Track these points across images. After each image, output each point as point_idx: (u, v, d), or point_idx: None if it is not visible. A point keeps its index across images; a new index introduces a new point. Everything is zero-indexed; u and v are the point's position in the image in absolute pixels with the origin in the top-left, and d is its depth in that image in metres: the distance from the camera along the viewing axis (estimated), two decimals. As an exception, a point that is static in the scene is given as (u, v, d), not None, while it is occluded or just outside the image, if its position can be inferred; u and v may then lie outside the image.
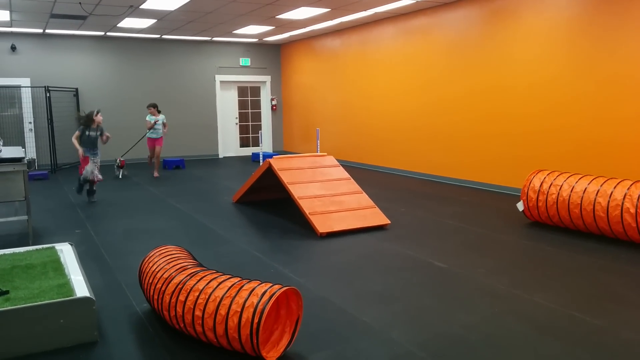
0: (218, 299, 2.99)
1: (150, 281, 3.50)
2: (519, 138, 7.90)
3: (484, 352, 3.11)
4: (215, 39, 13.21)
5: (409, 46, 9.98)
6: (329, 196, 6.32)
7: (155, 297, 3.40)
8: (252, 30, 11.76)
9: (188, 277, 3.23)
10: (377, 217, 6.24)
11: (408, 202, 7.67)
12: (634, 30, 6.35)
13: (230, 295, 2.97)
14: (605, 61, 6.68)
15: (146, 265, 3.71)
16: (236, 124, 14.55)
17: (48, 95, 11.05)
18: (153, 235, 5.97)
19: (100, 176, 7.81)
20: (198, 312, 3.04)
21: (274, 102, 14.77)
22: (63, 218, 6.91)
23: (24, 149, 6.59)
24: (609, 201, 5.25)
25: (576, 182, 5.64)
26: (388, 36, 10.52)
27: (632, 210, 5.07)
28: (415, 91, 9.89)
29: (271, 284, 3.01)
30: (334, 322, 3.58)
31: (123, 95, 12.66)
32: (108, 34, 12.02)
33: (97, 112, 7.85)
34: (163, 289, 3.32)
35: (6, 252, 4.27)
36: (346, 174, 6.87)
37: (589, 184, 5.52)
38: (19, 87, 11.49)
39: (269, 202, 7.73)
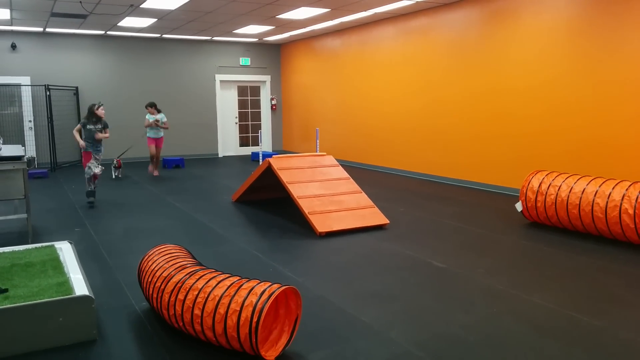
0: (217, 298, 2.99)
1: (150, 280, 3.51)
2: (518, 139, 7.91)
3: (482, 352, 3.12)
4: (215, 38, 13.21)
5: (408, 46, 9.99)
6: (328, 196, 6.33)
7: (155, 295, 3.41)
8: (252, 30, 11.76)
9: (187, 276, 3.24)
10: (376, 217, 6.25)
11: (407, 202, 7.68)
12: (633, 31, 6.36)
13: (229, 294, 2.98)
14: (605, 62, 6.69)
15: (145, 264, 3.71)
16: (236, 123, 14.55)
17: (48, 93, 11.05)
18: (152, 234, 5.97)
19: (98, 170, 7.51)
20: (197, 311, 3.05)
21: (273, 102, 14.78)
22: (62, 216, 6.91)
23: (23, 147, 6.60)
24: (607, 202, 5.25)
25: (575, 182, 5.65)
26: (388, 36, 10.52)
27: (631, 211, 5.08)
28: (415, 91, 9.90)
29: (270, 283, 3.01)
30: (333, 321, 3.59)
31: (123, 94, 12.66)
32: (108, 33, 12.03)
33: (98, 106, 7.71)
34: (162, 287, 3.32)
35: (5, 250, 4.27)
36: (345, 174, 6.87)
37: (587, 184, 5.53)
38: (19, 85, 11.49)
39: (269, 202, 7.74)
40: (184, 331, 3.25)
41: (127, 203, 7.79)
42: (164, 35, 12.59)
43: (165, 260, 3.57)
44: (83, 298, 3.28)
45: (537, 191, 5.95)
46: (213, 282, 3.10)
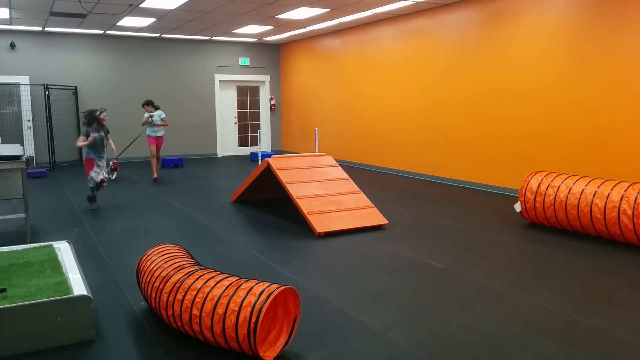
0: (216, 298, 2.99)
1: (148, 280, 3.51)
2: (517, 139, 7.91)
3: (481, 353, 3.12)
4: (214, 38, 13.21)
5: (408, 47, 9.99)
6: (327, 196, 6.33)
7: (153, 295, 3.41)
8: (251, 30, 11.76)
9: (186, 276, 3.23)
10: (375, 217, 6.24)
11: (406, 202, 7.68)
12: (633, 32, 6.36)
13: (227, 294, 2.98)
14: (605, 63, 6.69)
15: (144, 264, 3.71)
16: (235, 123, 14.54)
17: (47, 93, 11.04)
18: (151, 234, 5.97)
19: (101, 176, 7.24)
20: (195, 311, 3.05)
21: (272, 102, 14.77)
22: (61, 216, 6.90)
23: (22, 147, 6.58)
24: (606, 203, 5.26)
25: (573, 183, 5.66)
26: (387, 37, 10.52)
27: (629, 212, 5.08)
28: (414, 92, 9.90)
29: (269, 283, 3.01)
30: (332, 321, 3.58)
31: (122, 93, 12.65)
32: (107, 32, 12.02)
33: (101, 112, 7.32)
34: (161, 287, 3.32)
35: (4, 250, 4.27)
36: (344, 174, 6.87)
37: (586, 185, 5.53)
38: (18, 84, 11.47)
39: (268, 202, 7.74)
40: (183, 331, 3.24)
41: (126, 203, 7.78)
42: (163, 35, 12.58)
43: (164, 260, 3.56)
44: (81, 298, 3.27)
45: (536, 192, 5.96)
46: (212, 282, 3.10)
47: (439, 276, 4.50)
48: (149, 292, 3.48)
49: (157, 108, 10.00)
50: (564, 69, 7.18)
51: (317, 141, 8.98)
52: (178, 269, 3.37)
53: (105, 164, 7.44)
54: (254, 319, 2.82)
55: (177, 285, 3.20)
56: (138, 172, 11.00)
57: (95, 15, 9.63)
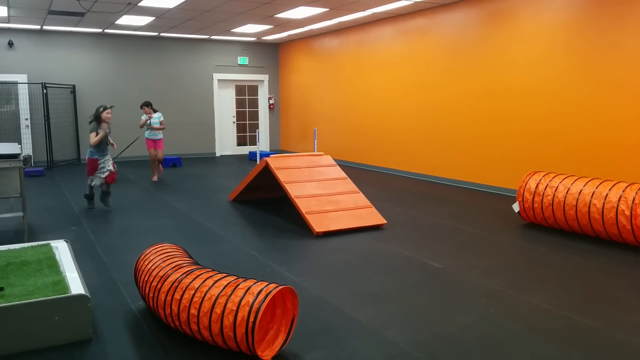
0: (214, 298, 2.98)
1: (146, 279, 3.50)
2: (516, 139, 7.91)
3: (479, 353, 3.12)
4: (213, 37, 13.19)
5: (407, 47, 9.98)
6: (326, 195, 6.32)
7: (151, 295, 3.40)
8: (250, 29, 11.75)
9: (184, 276, 3.23)
10: (373, 217, 6.24)
11: (404, 202, 7.68)
12: (631, 32, 6.37)
13: (226, 294, 2.97)
14: (603, 63, 6.70)
15: (142, 263, 3.70)
16: (233, 122, 14.53)
17: (45, 91, 11.02)
18: (149, 233, 5.96)
19: (106, 174, 6.97)
20: (193, 311, 3.04)
21: (271, 101, 14.76)
22: (59, 215, 6.89)
23: (20, 146, 6.56)
24: (604, 203, 5.26)
25: (572, 183, 5.66)
26: (386, 36, 10.52)
27: (627, 212, 5.08)
28: (413, 92, 9.90)
29: (267, 283, 3.00)
30: (330, 321, 3.58)
31: (120, 92, 12.62)
32: (106, 31, 12.00)
33: (104, 109, 7.01)
34: (158, 287, 3.31)
35: (1, 249, 4.26)
36: (343, 174, 6.87)
37: (584, 185, 5.53)
38: (16, 83, 11.45)
39: (266, 201, 7.73)
40: (180, 330, 3.24)
41: (124, 202, 7.76)
42: (162, 34, 12.56)
43: (162, 259, 3.56)
44: (79, 297, 3.26)
45: (534, 192, 5.96)
46: (210, 282, 3.09)
47: (438, 276, 4.50)
48: (147, 291, 3.47)
49: (155, 111, 9.71)
50: (562, 69, 7.18)
51: (315, 141, 8.98)
52: (176, 268, 3.36)
53: (108, 163, 7.09)
54: (252, 319, 2.81)
55: (175, 284, 3.20)
56: (136, 171, 10.98)
57: (93, 13, 9.62)
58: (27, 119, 11.66)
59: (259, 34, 12.68)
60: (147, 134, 9.64)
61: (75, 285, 3.44)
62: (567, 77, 7.14)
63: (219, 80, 13.96)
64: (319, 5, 8.95)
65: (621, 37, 6.48)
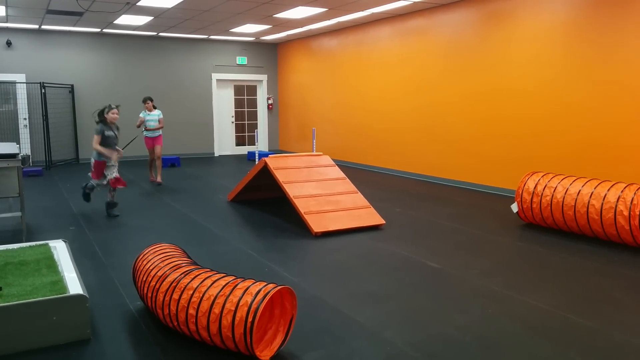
0: (212, 298, 2.98)
1: (144, 279, 3.50)
2: (515, 140, 7.92)
3: (477, 353, 3.12)
4: (212, 37, 13.19)
5: (406, 47, 9.99)
6: (325, 196, 6.32)
7: (149, 295, 3.40)
8: (249, 29, 11.74)
9: (182, 276, 3.22)
10: (372, 217, 6.24)
11: (403, 202, 7.68)
12: (630, 33, 6.38)
13: (224, 294, 2.97)
14: (602, 64, 6.71)
15: (140, 263, 3.70)
16: (232, 122, 14.53)
17: (43, 91, 11.01)
18: (147, 233, 5.95)
19: (114, 175, 6.68)
20: (192, 311, 3.04)
21: (270, 101, 14.76)
22: (57, 215, 6.88)
23: (18, 145, 6.55)
24: (602, 203, 5.27)
25: (570, 184, 5.67)
26: (385, 37, 10.52)
27: (626, 213, 5.09)
28: (412, 92, 9.91)
29: (265, 283, 3.00)
30: (328, 321, 3.58)
31: (119, 92, 12.60)
32: (104, 30, 11.98)
33: (109, 110, 6.66)
34: (157, 287, 3.31)
35: (-1, 249, 4.25)
36: (342, 174, 6.87)
37: (582, 186, 5.54)
38: (14, 82, 11.43)
39: (264, 201, 7.73)
40: (179, 331, 3.24)
41: (122, 202, 7.75)
42: (161, 34, 12.55)
43: (160, 259, 3.55)
44: (77, 297, 3.26)
45: (533, 192, 5.96)
46: (208, 282, 3.09)
47: (436, 276, 4.51)
48: (145, 291, 3.46)
49: (155, 108, 9.47)
50: (561, 70, 7.19)
51: (314, 141, 8.98)
52: (174, 268, 3.36)
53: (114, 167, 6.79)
54: (250, 319, 2.81)
55: (174, 284, 3.19)
56: (135, 170, 10.97)
57: (92, 13, 9.61)
58: (25, 119, 11.64)
59: (257, 34, 12.68)
60: (145, 132, 9.38)
61: (74, 285, 3.44)
62: (565, 78, 7.14)
63: (217, 80, 13.96)
64: (317, 5, 8.95)
65: (619, 37, 6.49)
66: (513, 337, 3.34)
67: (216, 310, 2.94)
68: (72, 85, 12.13)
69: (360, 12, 9.72)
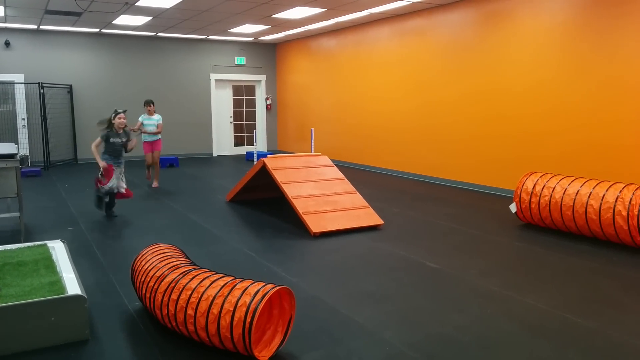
0: (210, 298, 2.98)
1: (143, 279, 3.49)
2: (513, 140, 7.93)
3: (476, 353, 3.12)
4: (210, 37, 13.18)
5: (404, 47, 9.99)
6: (323, 196, 6.32)
7: (148, 295, 3.39)
8: (247, 29, 11.74)
9: (180, 276, 3.22)
10: (370, 218, 6.24)
11: (401, 202, 7.68)
12: (629, 33, 6.39)
13: (222, 294, 2.97)
14: (600, 64, 6.72)
15: (139, 264, 3.70)
16: (231, 122, 14.52)
17: (42, 91, 10.99)
18: (146, 234, 5.95)
19: (124, 188, 6.61)
20: (190, 311, 3.04)
21: (268, 102, 14.76)
22: (55, 215, 6.87)
23: (16, 145, 6.55)
24: (601, 203, 5.27)
25: (569, 184, 5.67)
26: (384, 37, 10.53)
27: (624, 213, 5.10)
28: (410, 92, 9.91)
29: (264, 283, 3.00)
30: (327, 321, 3.58)
31: (117, 92, 12.60)
32: (103, 30, 11.97)
33: (115, 115, 6.49)
34: (155, 287, 3.31)
35: (-3, 249, 4.25)
36: (340, 174, 6.87)
37: (581, 186, 5.55)
38: (13, 83, 11.42)
39: (263, 201, 7.73)
40: (177, 331, 3.23)
41: (121, 202, 7.73)
42: (159, 34, 12.54)
43: (159, 259, 3.55)
44: (75, 297, 3.26)
45: (531, 192, 5.97)
46: (206, 282, 3.09)
47: (434, 276, 4.51)
48: (144, 291, 3.46)
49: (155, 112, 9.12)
50: (559, 70, 7.20)
51: (313, 141, 8.97)
52: (173, 268, 3.36)
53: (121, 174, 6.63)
54: (248, 319, 2.81)
55: (172, 285, 3.19)
56: (133, 171, 10.95)
57: (90, 13, 9.60)
58: (23, 119, 11.63)
59: (256, 34, 12.68)
60: (144, 136, 9.01)
61: (72, 286, 3.44)
62: (563, 78, 7.15)
63: (216, 80, 13.95)
64: (316, 5, 8.95)
65: (618, 38, 6.50)
66: (511, 337, 3.34)
67: (215, 310, 2.93)
68: (71, 86, 12.12)
69: (359, 13, 9.72)
